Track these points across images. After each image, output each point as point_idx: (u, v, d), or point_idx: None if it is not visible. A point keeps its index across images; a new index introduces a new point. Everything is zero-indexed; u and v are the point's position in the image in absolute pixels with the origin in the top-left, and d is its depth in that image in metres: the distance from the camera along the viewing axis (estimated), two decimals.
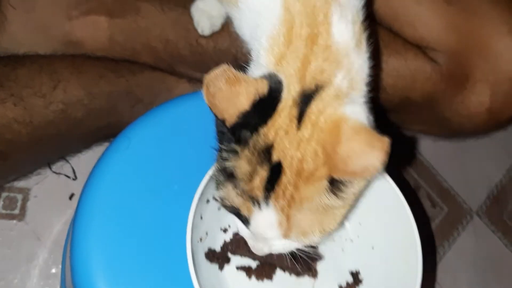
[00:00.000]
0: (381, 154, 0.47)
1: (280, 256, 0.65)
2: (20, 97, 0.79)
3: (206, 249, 0.65)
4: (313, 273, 0.72)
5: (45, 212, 0.94)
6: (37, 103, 0.80)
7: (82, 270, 0.62)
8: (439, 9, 0.81)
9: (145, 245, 0.63)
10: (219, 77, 0.49)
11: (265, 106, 0.51)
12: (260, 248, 0.57)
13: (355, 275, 0.71)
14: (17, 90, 0.79)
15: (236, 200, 0.54)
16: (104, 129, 0.90)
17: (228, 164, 0.53)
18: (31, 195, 0.95)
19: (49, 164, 0.96)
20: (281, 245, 0.57)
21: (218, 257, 0.65)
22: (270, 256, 0.66)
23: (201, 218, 0.63)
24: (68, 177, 0.97)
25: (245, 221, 0.54)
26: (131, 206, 0.64)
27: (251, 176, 0.51)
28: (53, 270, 0.91)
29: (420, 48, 0.84)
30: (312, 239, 0.54)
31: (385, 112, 0.92)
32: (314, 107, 0.51)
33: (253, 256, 0.67)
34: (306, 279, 0.72)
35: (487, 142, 1.24)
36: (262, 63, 0.55)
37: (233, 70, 0.50)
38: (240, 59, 0.89)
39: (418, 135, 1.18)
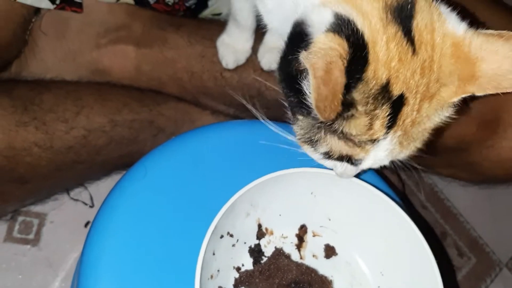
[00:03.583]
0: None
1: None
2: (43, 121, 0.79)
3: None
4: None
5: (59, 238, 0.93)
6: (59, 128, 0.80)
7: None
8: None
9: (155, 279, 0.60)
10: (320, 86, 0.45)
11: (355, 58, 0.46)
12: (351, 173, 0.56)
13: None
14: (40, 114, 0.79)
15: (348, 149, 0.52)
16: (125, 157, 0.89)
17: (343, 128, 0.50)
18: (47, 221, 0.95)
19: (67, 190, 0.96)
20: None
21: None
22: None
23: (213, 254, 0.60)
24: (86, 204, 0.97)
25: (356, 163, 0.53)
26: (143, 238, 0.62)
27: (370, 125, 0.49)
28: None
29: None
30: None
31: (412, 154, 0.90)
32: (420, 22, 0.49)
33: None
34: None
35: None
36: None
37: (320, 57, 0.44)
38: (264, 93, 0.89)
39: (447, 180, 1.14)
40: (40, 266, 0.91)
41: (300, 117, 0.53)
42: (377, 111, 0.48)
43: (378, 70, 0.47)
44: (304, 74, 0.48)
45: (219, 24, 0.90)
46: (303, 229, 0.70)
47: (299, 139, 0.55)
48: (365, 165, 0.55)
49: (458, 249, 1.14)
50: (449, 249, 1.14)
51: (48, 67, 0.89)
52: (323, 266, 0.69)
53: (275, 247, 0.67)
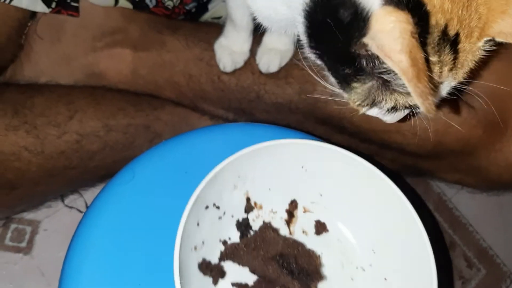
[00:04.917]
0: None
1: (278, 272, 0.61)
2: (33, 125, 0.77)
3: (200, 259, 0.60)
4: None
5: (52, 247, 0.91)
6: (51, 132, 0.78)
7: None
8: None
9: (140, 285, 0.58)
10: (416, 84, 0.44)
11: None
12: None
13: None
14: (31, 118, 0.78)
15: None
16: (120, 163, 0.86)
17: None
18: (41, 228, 0.92)
19: (62, 197, 0.94)
20: None
21: (212, 270, 0.60)
22: (268, 271, 0.61)
23: (198, 224, 0.58)
24: (80, 211, 0.94)
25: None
26: (128, 244, 0.59)
27: (440, 73, 0.49)
28: None
29: None
30: None
31: (417, 159, 0.87)
32: None
33: (252, 268, 0.62)
34: None
35: None
36: None
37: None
38: (263, 97, 0.86)
39: (454, 187, 1.10)
40: (32, 275, 0.88)
41: (357, 85, 0.51)
42: (442, 57, 0.48)
43: (439, 18, 0.46)
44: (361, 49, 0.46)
45: (217, 27, 0.88)
46: (293, 205, 0.67)
47: (359, 104, 0.53)
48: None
49: (467, 260, 1.10)
50: (458, 260, 1.10)
51: (42, 71, 0.87)
52: (313, 243, 0.66)
53: (263, 221, 0.64)
